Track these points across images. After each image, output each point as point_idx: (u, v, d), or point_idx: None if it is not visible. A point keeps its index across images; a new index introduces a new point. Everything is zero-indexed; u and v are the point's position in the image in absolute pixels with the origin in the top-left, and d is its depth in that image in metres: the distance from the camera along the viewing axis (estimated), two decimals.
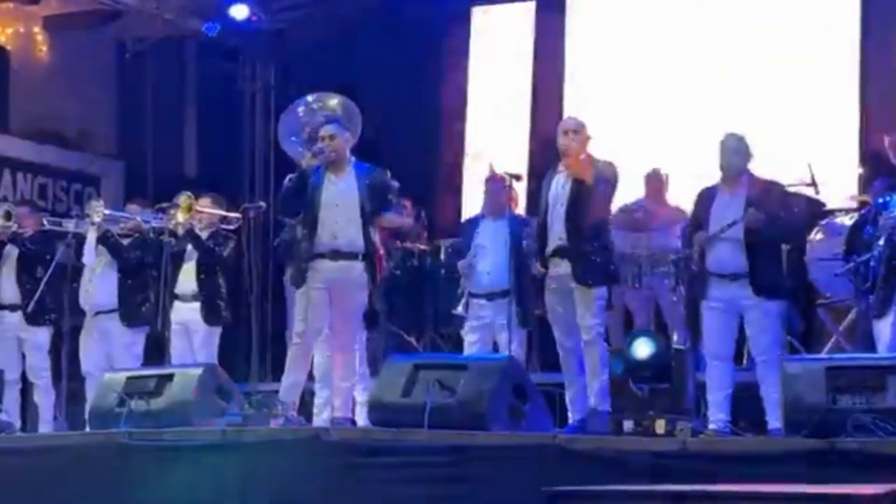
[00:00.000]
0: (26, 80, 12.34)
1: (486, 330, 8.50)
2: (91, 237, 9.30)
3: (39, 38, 12.49)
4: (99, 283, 9.37)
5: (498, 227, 8.56)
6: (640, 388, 6.48)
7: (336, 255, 7.64)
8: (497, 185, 8.75)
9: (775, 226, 7.34)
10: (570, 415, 7.50)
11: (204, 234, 9.29)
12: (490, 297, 8.48)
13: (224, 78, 12.75)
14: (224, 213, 9.41)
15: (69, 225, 9.61)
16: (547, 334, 7.79)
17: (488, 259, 8.52)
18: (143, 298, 9.32)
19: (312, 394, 8.29)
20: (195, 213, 9.18)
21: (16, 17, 12.30)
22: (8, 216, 9.48)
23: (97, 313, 9.37)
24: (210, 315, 9.15)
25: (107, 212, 9.43)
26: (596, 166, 7.50)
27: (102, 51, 12.88)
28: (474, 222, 8.89)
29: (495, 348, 8.47)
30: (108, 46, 12.89)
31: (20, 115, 12.27)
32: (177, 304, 9.15)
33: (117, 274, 9.37)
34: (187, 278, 9.20)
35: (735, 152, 7.50)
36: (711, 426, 7.11)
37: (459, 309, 8.65)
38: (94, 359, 9.30)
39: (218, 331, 9.23)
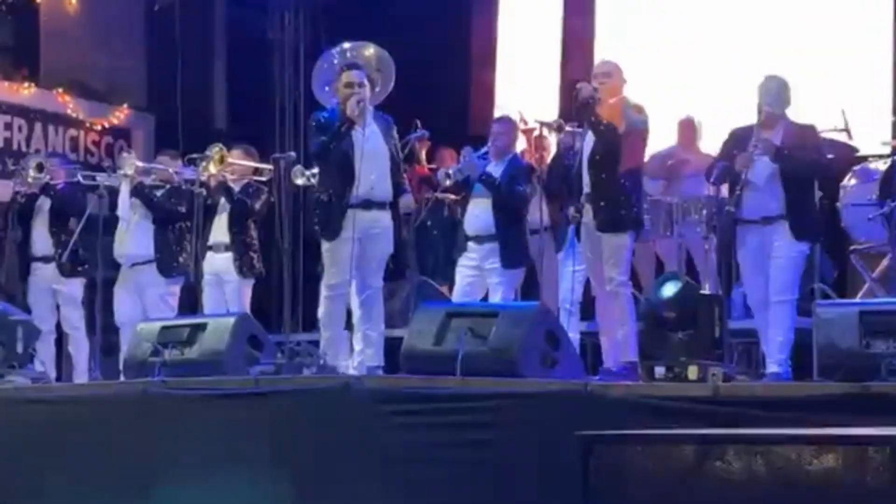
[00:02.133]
0: (56, 33, 12.35)
1: (475, 272, 8.51)
2: (124, 190, 9.34)
3: None
4: (134, 235, 9.42)
5: (496, 171, 8.61)
6: (670, 333, 6.45)
7: (369, 204, 7.64)
8: (499, 127, 8.75)
9: (791, 157, 7.20)
10: (604, 361, 7.50)
11: (236, 186, 9.30)
12: (479, 239, 8.51)
13: (253, 28, 12.71)
14: (256, 164, 9.42)
15: (101, 178, 9.64)
16: None
17: (481, 202, 8.55)
18: (178, 249, 9.36)
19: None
20: (227, 164, 9.19)
21: None
22: (40, 168, 9.53)
23: (133, 265, 9.43)
24: (243, 266, 9.18)
25: (139, 164, 9.47)
26: (625, 112, 7.41)
27: (131, 2, 12.88)
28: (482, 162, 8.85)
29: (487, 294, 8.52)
30: None
31: (51, 68, 12.29)
32: (209, 255, 9.19)
33: (152, 225, 9.42)
34: (220, 230, 9.23)
35: (774, 96, 7.37)
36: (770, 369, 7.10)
37: (451, 170, 8.67)
38: (128, 310, 9.35)
39: (251, 282, 9.27)
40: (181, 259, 9.32)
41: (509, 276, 8.49)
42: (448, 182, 8.70)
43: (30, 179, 9.50)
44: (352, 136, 7.64)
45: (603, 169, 7.38)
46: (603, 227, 7.36)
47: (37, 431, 7.57)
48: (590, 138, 7.46)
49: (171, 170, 9.55)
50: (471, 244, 8.57)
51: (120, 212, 9.38)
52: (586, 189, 7.45)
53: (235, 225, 9.23)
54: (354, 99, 7.61)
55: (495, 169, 8.63)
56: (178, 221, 9.36)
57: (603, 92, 7.42)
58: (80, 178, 9.71)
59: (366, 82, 7.75)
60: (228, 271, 9.18)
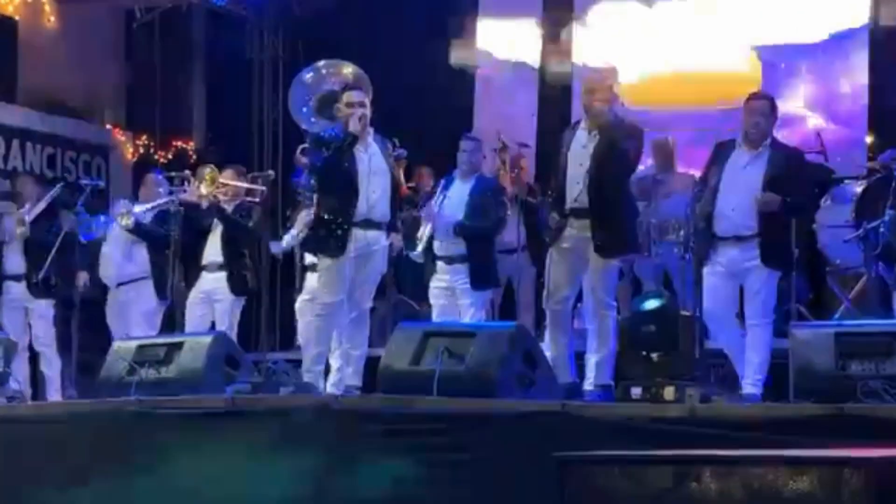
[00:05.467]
0: (34, 49, 12.35)
1: (447, 294, 8.53)
2: (116, 225, 9.36)
3: (47, 7, 12.49)
4: (121, 256, 9.42)
5: (463, 190, 8.62)
6: (647, 353, 6.45)
7: (368, 224, 7.63)
8: (467, 145, 8.76)
9: (790, 206, 7.17)
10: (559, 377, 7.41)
11: (229, 207, 9.27)
12: (449, 260, 8.53)
13: (232, 47, 12.73)
14: (248, 185, 9.39)
15: (97, 228, 9.65)
16: None
17: (447, 223, 8.56)
18: (167, 270, 9.35)
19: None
20: (218, 185, 9.17)
21: None
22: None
23: (119, 284, 9.42)
24: (236, 285, 9.18)
25: (136, 210, 9.44)
26: (621, 126, 7.27)
27: (110, 20, 12.89)
28: (447, 181, 8.85)
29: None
30: (116, 16, 12.90)
31: (29, 86, 12.28)
32: (203, 274, 9.18)
33: (134, 246, 9.43)
34: (213, 249, 9.23)
35: (761, 114, 7.26)
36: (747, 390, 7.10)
37: (417, 251, 8.67)
38: (118, 330, 9.34)
39: (242, 300, 9.29)
40: (169, 280, 9.31)
41: (479, 296, 8.50)
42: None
43: None
44: (355, 155, 7.62)
45: (604, 183, 7.23)
46: (600, 248, 7.18)
47: (10, 450, 7.53)
48: (586, 151, 7.30)
49: (161, 190, 9.55)
50: (441, 264, 8.59)
51: (107, 238, 9.42)
52: (576, 204, 7.29)
53: (229, 244, 9.22)
54: (357, 114, 7.58)
55: (462, 188, 8.63)
56: (169, 246, 9.34)
57: (593, 105, 7.29)
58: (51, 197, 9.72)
59: (367, 101, 7.72)
60: (221, 290, 9.17)
